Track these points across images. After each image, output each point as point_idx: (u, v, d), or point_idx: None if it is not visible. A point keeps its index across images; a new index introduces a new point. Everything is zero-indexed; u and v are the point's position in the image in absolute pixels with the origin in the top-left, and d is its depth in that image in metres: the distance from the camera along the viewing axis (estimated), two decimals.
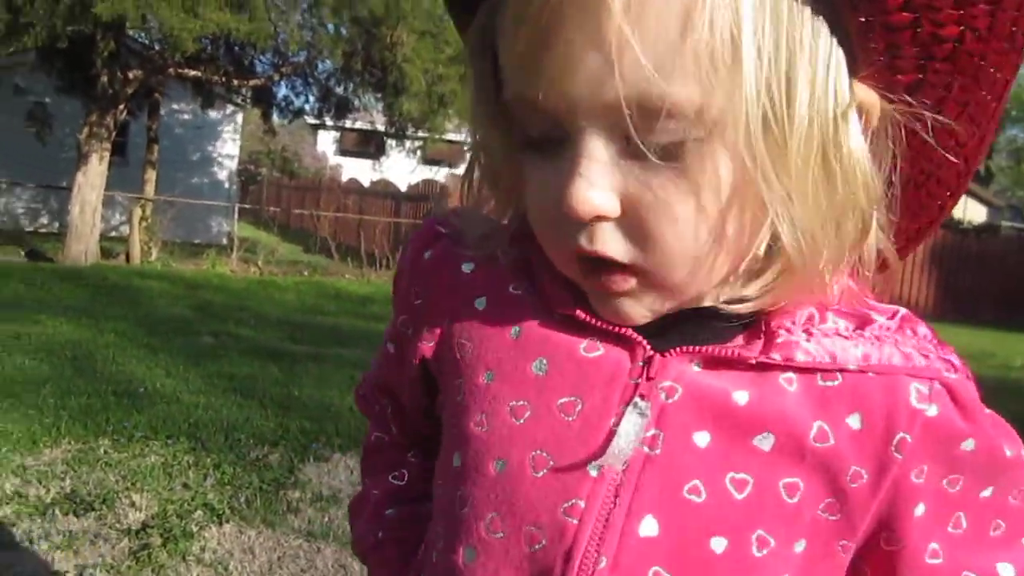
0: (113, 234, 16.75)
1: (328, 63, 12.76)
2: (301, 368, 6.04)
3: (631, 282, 0.54)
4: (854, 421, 0.57)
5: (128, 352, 6.06)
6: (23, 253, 13.76)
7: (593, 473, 0.58)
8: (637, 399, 0.58)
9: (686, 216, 0.51)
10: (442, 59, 11.71)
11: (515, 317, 0.63)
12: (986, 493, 0.59)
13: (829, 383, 0.57)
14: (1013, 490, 0.60)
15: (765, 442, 0.57)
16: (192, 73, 12.65)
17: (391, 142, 14.34)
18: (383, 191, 18.44)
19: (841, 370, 0.57)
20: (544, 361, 0.61)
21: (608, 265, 0.54)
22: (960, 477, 0.58)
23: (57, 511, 3.16)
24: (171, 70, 12.33)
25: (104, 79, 11.69)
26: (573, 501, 0.58)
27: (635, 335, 0.59)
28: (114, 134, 12.58)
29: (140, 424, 4.20)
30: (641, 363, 0.59)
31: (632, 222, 0.52)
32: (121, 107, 12.30)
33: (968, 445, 0.58)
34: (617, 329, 0.59)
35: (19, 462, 3.63)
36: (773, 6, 0.47)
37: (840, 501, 0.58)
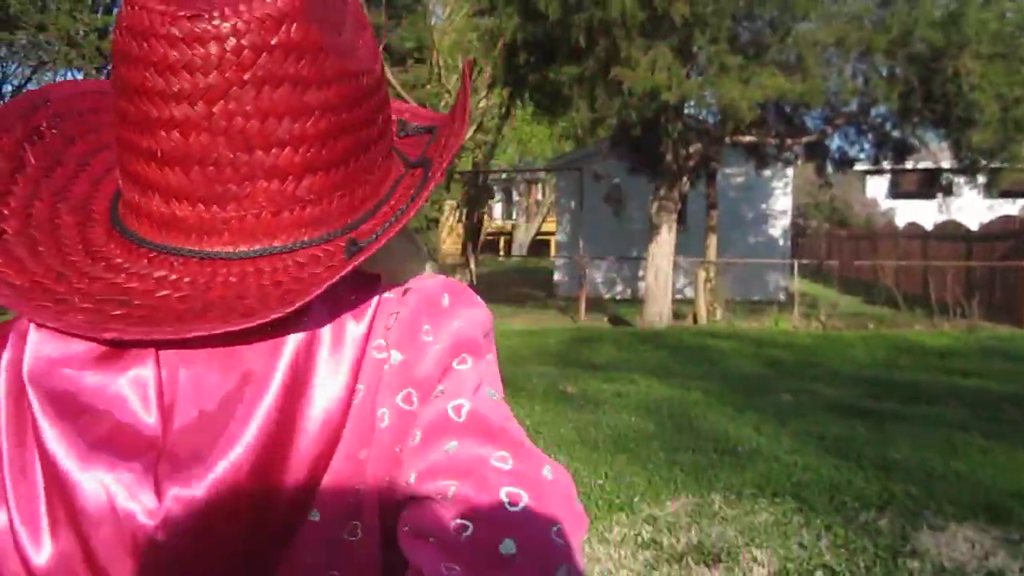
0: (679, 296, 17.98)
1: (883, 107, 12.33)
2: (891, 427, 5.81)
3: None
4: None
5: (716, 409, 6.42)
6: (606, 319, 15.46)
7: None
8: None
9: None
10: (1019, 80, 10.57)
11: None
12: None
13: None
14: None
15: None
16: (746, 139, 13.17)
17: (958, 179, 13.24)
18: (951, 233, 17.03)
19: None
20: None
21: None
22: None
23: (690, 560, 3.45)
24: (727, 139, 12.99)
25: (668, 156, 12.75)
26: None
27: None
28: (679, 205, 13.59)
29: (748, 481, 4.41)
30: None
31: None
32: (684, 179, 13.27)
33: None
34: None
35: (648, 512, 4.05)
36: None
37: None
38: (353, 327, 0.70)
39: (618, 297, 19.74)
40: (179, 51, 0.64)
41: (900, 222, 21.90)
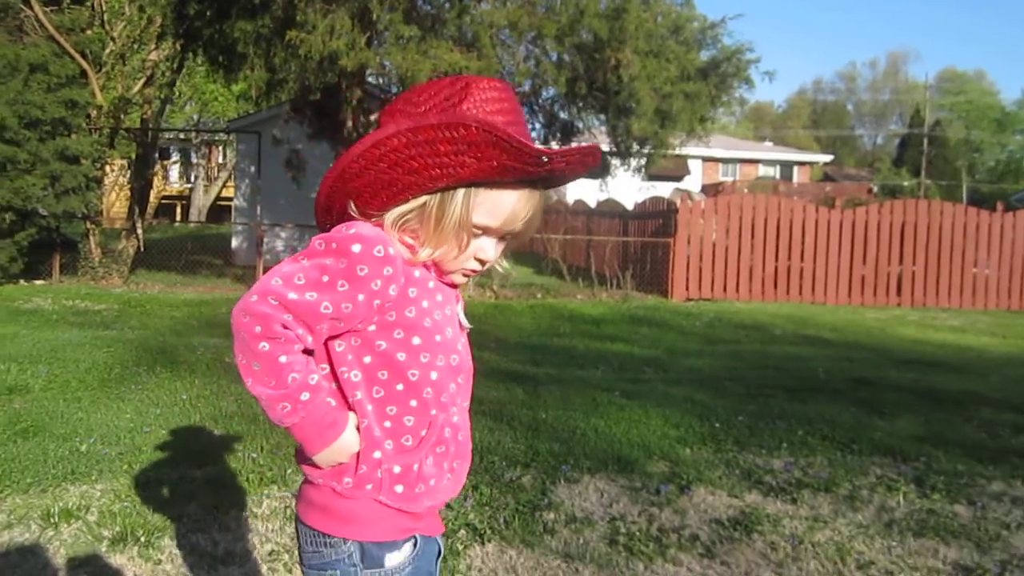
0: None
1: (552, 90, 13.06)
2: (545, 390, 6.20)
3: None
4: None
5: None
6: None
7: (458, 331, 1.51)
8: (460, 302, 1.55)
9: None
10: (670, 77, 11.66)
11: (428, 277, 1.44)
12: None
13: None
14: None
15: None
16: None
17: (615, 162, 14.41)
18: (610, 210, 18.54)
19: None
20: (440, 294, 1.46)
21: (479, 269, 1.48)
22: None
23: None
24: None
25: (350, 123, 12.62)
26: (462, 340, 1.52)
27: (456, 285, 1.52)
28: None
29: None
30: (455, 292, 1.53)
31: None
32: None
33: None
34: (453, 284, 1.51)
35: None
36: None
37: None
38: None
39: None
40: None
41: (571, 200, 23.48)
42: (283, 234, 18.19)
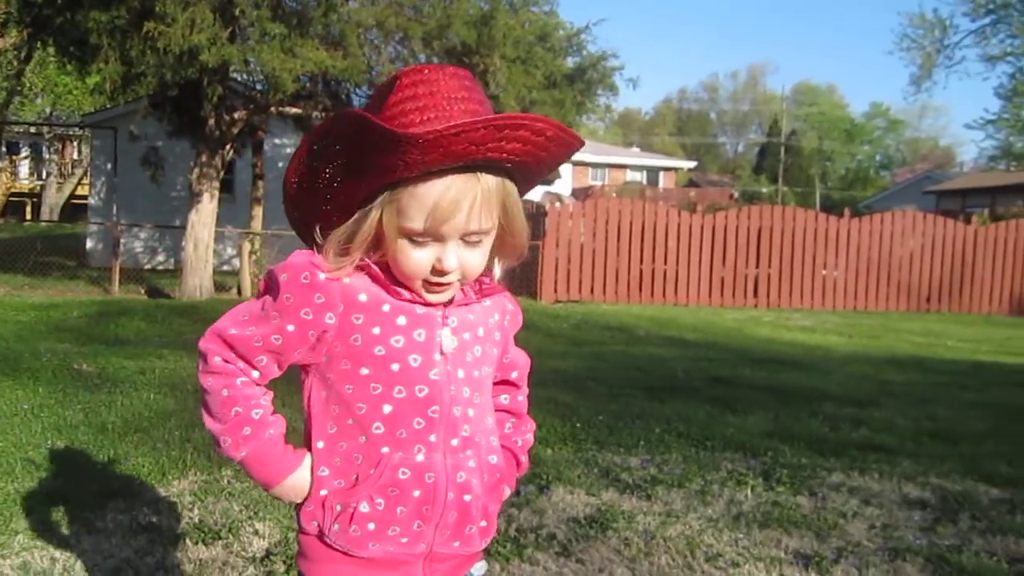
0: (226, 267, 17.43)
1: None
2: None
3: (451, 287, 1.34)
4: (495, 315, 1.46)
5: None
6: (143, 291, 14.47)
7: (438, 357, 1.35)
8: (447, 325, 1.36)
9: (478, 263, 1.32)
10: (535, 84, 11.83)
11: (381, 301, 1.32)
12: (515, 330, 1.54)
13: (486, 303, 1.44)
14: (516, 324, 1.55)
15: (481, 329, 1.42)
16: (293, 111, 13.11)
17: None
18: None
19: (490, 296, 1.44)
20: (404, 317, 1.32)
21: (443, 281, 1.31)
22: (514, 329, 1.54)
23: (188, 540, 3.32)
24: (273, 109, 12.82)
25: (212, 121, 12.23)
26: (435, 369, 1.34)
27: (438, 304, 1.35)
28: (222, 173, 13.11)
29: None
30: (440, 312, 1.35)
31: (463, 268, 1.31)
32: (228, 147, 12.83)
33: (517, 315, 1.53)
34: (432, 304, 1.34)
35: (149, 495, 3.82)
36: (513, 190, 1.31)
37: (497, 346, 1.47)
38: None
39: (160, 268, 18.62)
40: None
41: None
42: (142, 235, 17.48)
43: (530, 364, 1.64)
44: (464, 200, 1.23)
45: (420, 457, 1.33)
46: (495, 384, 1.52)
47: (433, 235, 1.26)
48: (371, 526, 1.33)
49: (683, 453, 4.88)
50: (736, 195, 43.69)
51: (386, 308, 1.32)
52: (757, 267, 16.50)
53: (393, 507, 1.33)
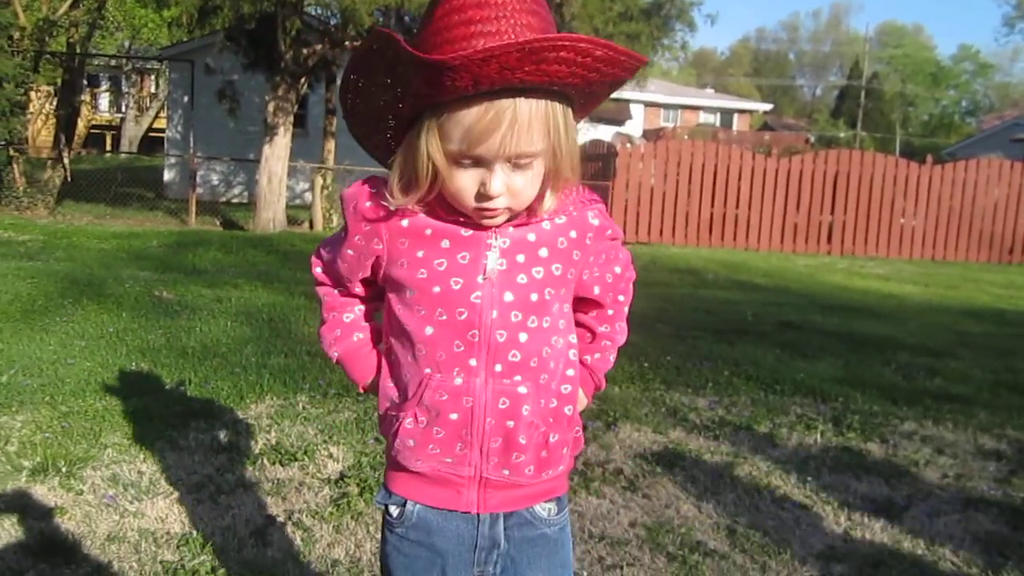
0: (297, 202, 17.67)
1: None
2: None
3: (503, 213, 1.28)
4: (572, 233, 1.36)
5: (317, 314, 6.43)
6: (219, 223, 14.79)
7: (481, 279, 1.30)
8: (494, 247, 1.31)
9: (527, 187, 1.25)
10: (612, 17, 11.59)
11: (424, 225, 1.32)
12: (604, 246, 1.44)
13: (559, 220, 1.34)
14: (613, 249, 1.46)
15: (544, 250, 1.33)
16: None
17: None
18: None
19: (566, 214, 1.35)
20: (448, 240, 1.31)
21: (491, 207, 1.25)
22: (602, 245, 1.43)
23: (265, 460, 3.44)
24: (347, 43, 12.82)
25: (288, 55, 12.29)
26: (477, 292, 1.30)
27: (489, 227, 1.30)
28: (296, 107, 13.20)
29: (334, 382, 4.48)
30: (491, 235, 1.31)
31: (510, 192, 1.25)
32: (302, 81, 12.90)
33: (605, 230, 1.41)
34: (483, 227, 1.31)
35: (229, 417, 3.96)
36: (560, 113, 1.23)
37: (573, 265, 1.37)
38: None
39: (235, 201, 18.96)
40: None
41: None
42: (218, 167, 17.79)
43: (629, 278, 1.54)
44: (502, 122, 1.18)
45: (458, 380, 1.32)
46: (579, 301, 1.47)
47: (474, 158, 1.22)
48: (411, 442, 1.35)
49: (752, 396, 4.86)
50: (812, 139, 42.49)
51: (428, 232, 1.31)
52: (832, 213, 16.11)
53: (431, 427, 1.33)
